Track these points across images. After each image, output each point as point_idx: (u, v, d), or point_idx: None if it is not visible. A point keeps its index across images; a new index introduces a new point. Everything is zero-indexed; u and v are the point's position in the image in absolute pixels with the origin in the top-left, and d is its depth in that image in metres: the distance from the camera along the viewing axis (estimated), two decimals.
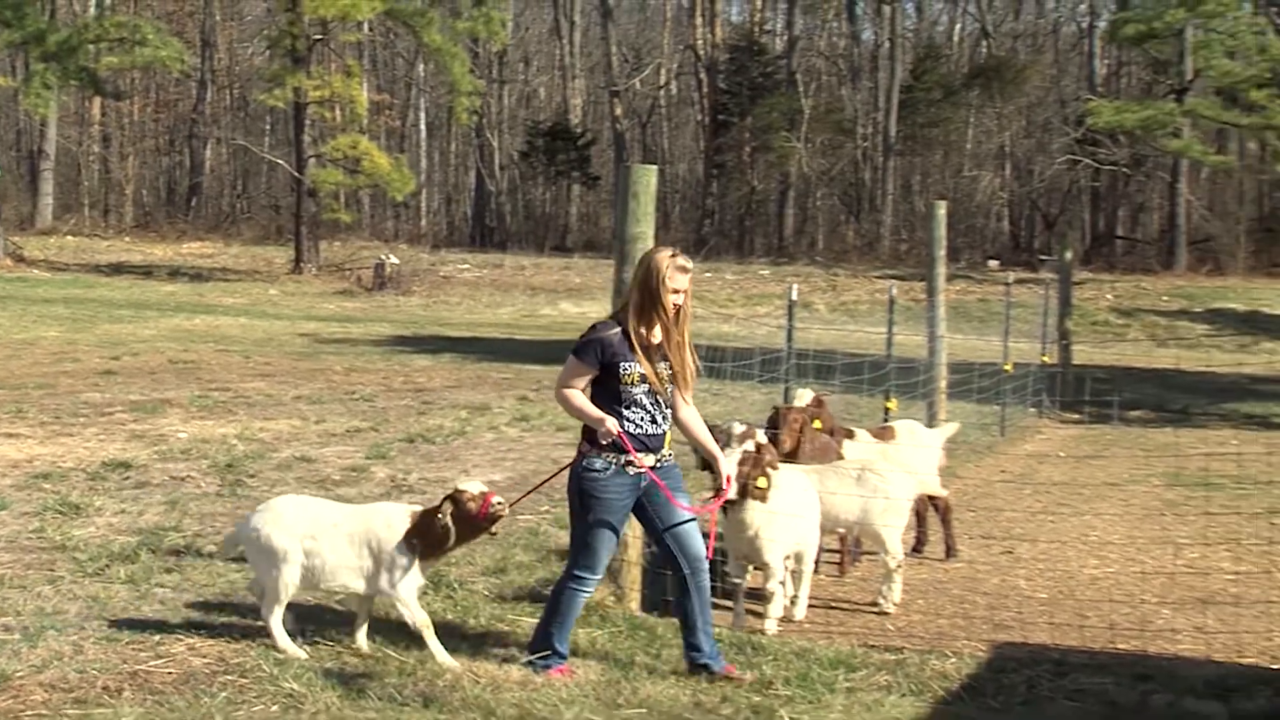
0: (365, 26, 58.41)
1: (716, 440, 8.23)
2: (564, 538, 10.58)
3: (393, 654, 7.53)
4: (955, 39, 77.85)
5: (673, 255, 7.45)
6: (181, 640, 7.68)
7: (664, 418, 7.51)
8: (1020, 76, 68.46)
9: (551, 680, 7.30)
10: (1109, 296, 48.57)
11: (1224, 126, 53.38)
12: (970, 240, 65.16)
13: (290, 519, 7.62)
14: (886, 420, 13.54)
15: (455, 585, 9.01)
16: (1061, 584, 10.18)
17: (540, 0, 79.49)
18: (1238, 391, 26.91)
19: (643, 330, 7.41)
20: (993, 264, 57.00)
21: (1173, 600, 9.63)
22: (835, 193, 71.69)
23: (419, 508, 7.69)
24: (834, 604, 9.48)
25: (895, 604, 9.34)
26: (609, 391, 7.37)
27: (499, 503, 7.49)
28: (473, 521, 7.47)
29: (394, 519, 7.57)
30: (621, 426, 7.31)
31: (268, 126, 73.66)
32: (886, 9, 68.37)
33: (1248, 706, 7.24)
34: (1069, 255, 26.64)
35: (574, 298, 47.26)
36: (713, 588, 9.06)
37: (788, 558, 8.92)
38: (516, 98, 79.49)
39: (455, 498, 7.45)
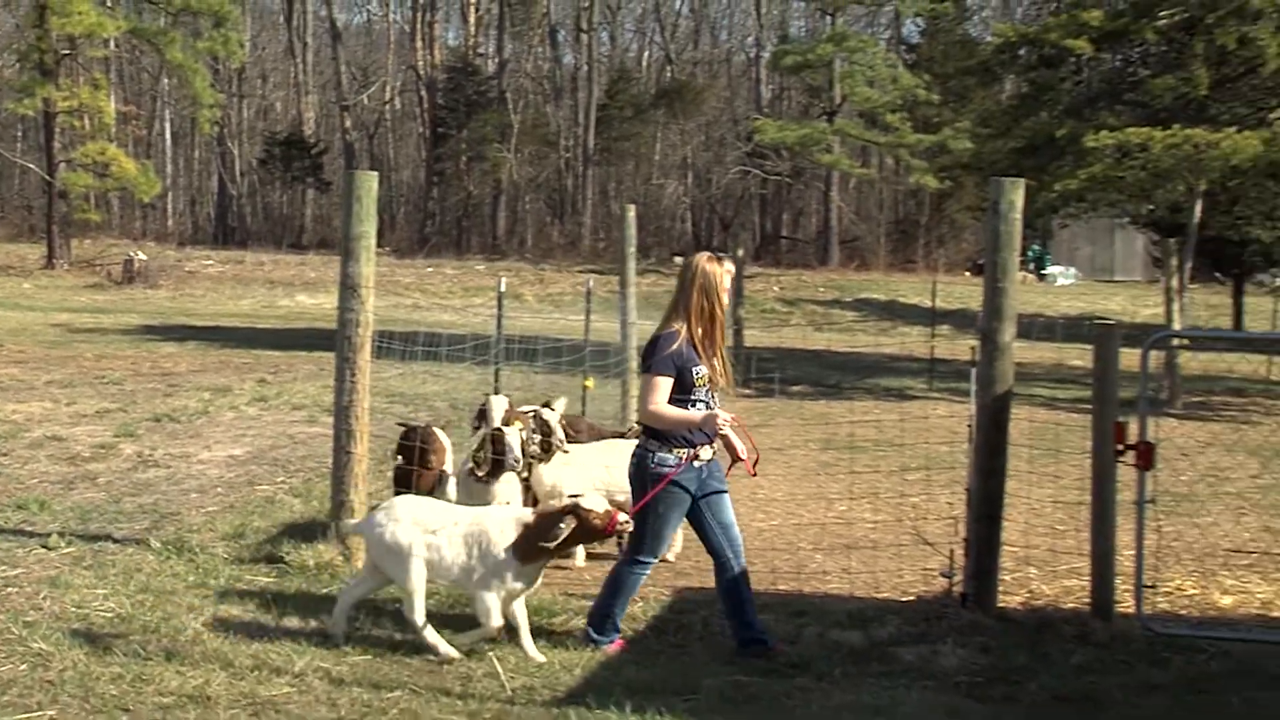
0: (111, 43, 56.17)
1: (483, 416, 8.50)
2: (299, 506, 10.44)
3: (138, 614, 7.29)
4: (644, 64, 78.72)
5: (720, 260, 7.14)
6: None
7: None
8: (699, 98, 69.69)
9: (607, 652, 7.07)
10: (775, 288, 49.79)
11: (866, 144, 55.15)
12: (659, 239, 66.02)
13: (410, 516, 7.09)
14: (584, 396, 13.63)
15: (197, 550, 8.74)
16: None
17: (275, 23, 77.72)
18: (879, 368, 27.81)
19: (700, 333, 7.03)
20: (677, 260, 57.70)
21: (824, 547, 9.90)
22: (542, 197, 71.90)
23: (531, 514, 7.22)
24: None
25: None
26: (679, 393, 6.97)
27: (625, 521, 7.05)
28: (594, 535, 7.10)
29: (506, 525, 7.06)
30: None
31: (19, 133, 70.30)
32: (584, 37, 68.80)
33: (881, 633, 7.50)
34: (741, 252, 27.25)
35: (309, 290, 46.41)
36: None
37: None
38: (255, 110, 77.63)
39: (580, 514, 6.94)
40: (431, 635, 6.91)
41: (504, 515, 7.20)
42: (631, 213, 15.62)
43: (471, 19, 73.03)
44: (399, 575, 7.02)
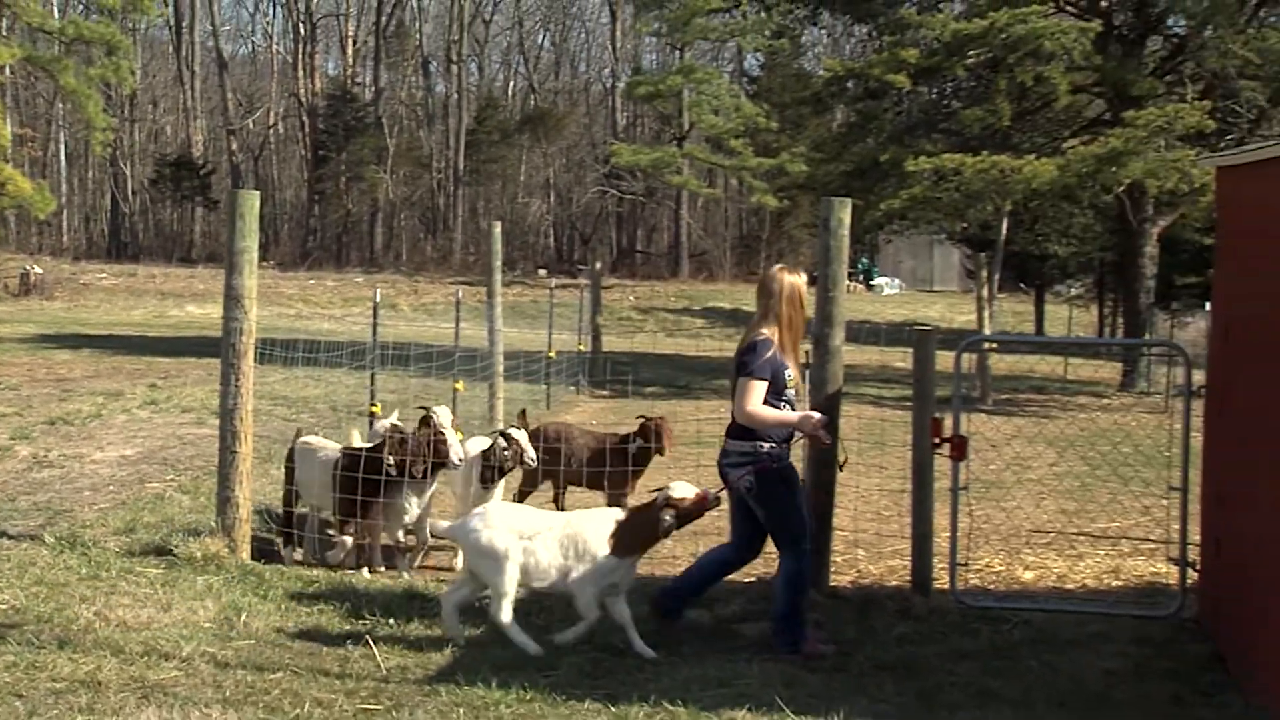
0: (7, 70, 54.37)
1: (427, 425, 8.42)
2: (187, 502, 10.20)
3: (32, 605, 7.07)
4: (509, 93, 78.45)
5: (796, 271, 7.04)
6: None
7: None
8: (560, 124, 69.65)
9: (812, 650, 6.79)
10: (631, 297, 49.94)
11: (712, 166, 55.35)
12: (524, 253, 65.84)
13: (505, 522, 6.85)
14: (454, 398, 13.50)
15: (90, 544, 8.49)
16: None
17: (165, 52, 75.97)
18: (724, 371, 27.81)
19: (788, 339, 6.92)
20: (541, 272, 57.76)
21: (674, 534, 9.89)
22: (416, 215, 71.29)
23: (623, 513, 7.08)
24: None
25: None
26: (772, 394, 6.81)
27: (715, 497, 6.95)
28: (688, 520, 6.93)
29: (603, 525, 6.88)
30: None
31: None
32: (454, 67, 68.40)
33: (726, 612, 7.55)
34: (599, 265, 27.26)
35: (198, 301, 45.36)
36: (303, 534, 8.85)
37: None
38: (146, 133, 75.75)
39: (674, 504, 6.82)
40: (518, 634, 6.75)
41: (600, 516, 7.06)
42: (498, 229, 15.53)
43: (350, 50, 72.22)
44: (493, 578, 6.81)
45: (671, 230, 66.50)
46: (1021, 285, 44.86)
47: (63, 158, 72.54)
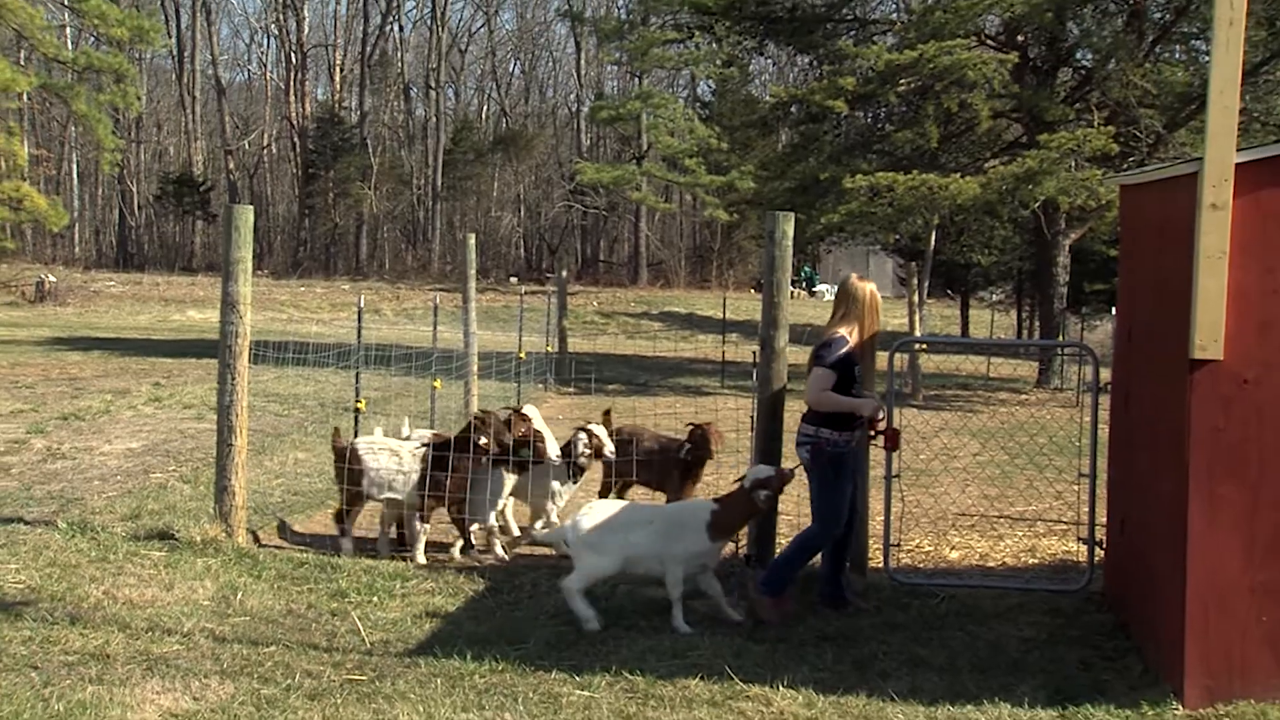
0: (25, 96, 53.73)
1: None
2: (188, 490, 10.13)
3: (46, 585, 7.00)
4: (483, 116, 78.19)
5: (871, 282, 7.20)
6: None
7: None
8: (530, 144, 69.47)
9: (776, 607, 6.91)
10: (594, 303, 49.83)
11: (669, 183, 55.34)
12: (496, 262, 65.60)
13: (609, 518, 6.84)
14: (433, 394, 13.43)
15: (99, 529, 8.41)
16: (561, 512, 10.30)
17: (168, 80, 75.30)
18: (680, 369, 27.99)
19: (864, 340, 7.11)
20: (513, 280, 57.59)
21: None
22: (397, 227, 70.93)
23: (715, 502, 7.05)
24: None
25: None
26: (844, 386, 6.98)
27: (790, 471, 7.04)
28: (778, 494, 7.02)
29: (700, 514, 6.91)
30: None
31: None
32: (433, 93, 68.15)
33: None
34: (565, 273, 27.15)
35: (198, 307, 44.96)
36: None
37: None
38: (151, 154, 75.09)
39: (763, 484, 6.87)
40: (583, 606, 6.72)
41: (696, 506, 7.11)
42: (472, 240, 15.46)
43: (337, 78, 71.89)
44: (584, 564, 6.80)
45: (631, 241, 66.42)
46: (948, 291, 45.12)
47: (75, 176, 71.87)
